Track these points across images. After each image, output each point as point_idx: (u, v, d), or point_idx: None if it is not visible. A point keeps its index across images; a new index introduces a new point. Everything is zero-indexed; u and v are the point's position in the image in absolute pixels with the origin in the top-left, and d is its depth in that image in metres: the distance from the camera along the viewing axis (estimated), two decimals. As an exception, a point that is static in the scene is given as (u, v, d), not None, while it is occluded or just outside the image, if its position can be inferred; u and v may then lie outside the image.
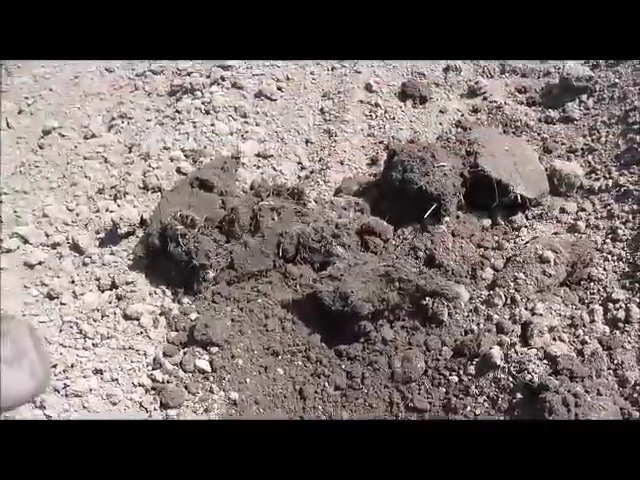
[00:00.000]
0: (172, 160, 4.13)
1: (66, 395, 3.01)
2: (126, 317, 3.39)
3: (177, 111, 4.51)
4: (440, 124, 4.34)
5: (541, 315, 3.12)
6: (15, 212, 4.06)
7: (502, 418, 2.87)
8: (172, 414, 2.99)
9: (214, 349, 3.16)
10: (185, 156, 4.15)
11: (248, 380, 3.09)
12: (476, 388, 3.00)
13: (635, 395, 2.86)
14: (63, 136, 4.55)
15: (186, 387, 3.08)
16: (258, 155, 4.21)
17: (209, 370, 3.13)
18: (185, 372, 3.14)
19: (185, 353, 3.20)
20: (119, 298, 3.47)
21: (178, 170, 4.07)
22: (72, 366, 3.16)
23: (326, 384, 3.11)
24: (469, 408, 2.95)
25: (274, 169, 4.14)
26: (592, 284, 3.31)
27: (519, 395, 2.89)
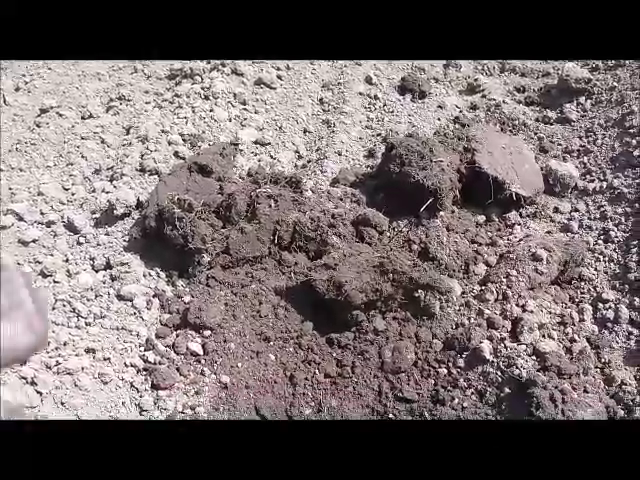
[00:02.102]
0: (170, 144, 4.13)
1: (58, 372, 3.02)
2: (120, 297, 3.38)
3: (176, 95, 4.51)
4: (438, 119, 4.36)
5: (532, 312, 3.15)
6: (10, 189, 4.05)
7: (489, 412, 2.91)
8: (163, 395, 3.01)
9: (207, 332, 3.17)
10: (183, 140, 4.15)
11: (240, 364, 3.11)
12: (465, 381, 3.03)
13: (621, 394, 2.90)
14: (60, 115, 4.54)
15: (178, 369, 3.09)
16: (256, 142, 4.22)
17: (201, 353, 3.14)
18: (177, 354, 3.14)
19: (178, 335, 3.20)
20: (113, 278, 3.47)
21: (176, 154, 4.07)
22: (65, 344, 3.16)
23: (317, 371, 3.13)
24: (457, 401, 2.98)
25: (271, 157, 4.15)
26: (583, 284, 3.36)
27: (507, 389, 2.92)
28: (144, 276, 3.49)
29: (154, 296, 3.40)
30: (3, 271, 0.56)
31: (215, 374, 3.08)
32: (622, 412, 2.84)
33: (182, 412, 2.97)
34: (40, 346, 0.57)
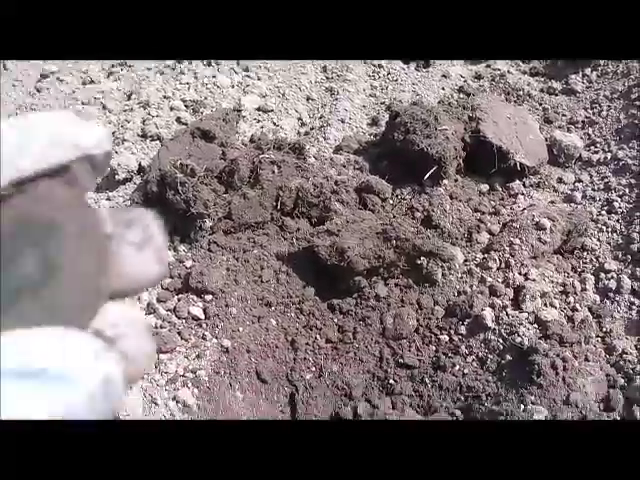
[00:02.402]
0: (172, 109, 4.10)
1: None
2: (121, 262, 3.37)
3: (178, 61, 4.47)
4: (442, 89, 4.33)
5: (534, 280, 3.15)
6: (11, 154, 4.03)
7: (490, 378, 2.91)
8: (164, 358, 3.01)
9: (208, 297, 3.16)
10: (185, 106, 4.12)
11: (241, 329, 3.10)
12: (466, 348, 3.04)
13: (621, 363, 2.91)
14: (61, 81, 4.51)
15: (179, 333, 3.08)
16: (259, 109, 4.19)
17: (203, 317, 3.13)
18: (179, 318, 3.13)
19: (179, 300, 3.20)
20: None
21: (178, 120, 4.04)
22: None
23: (318, 336, 3.12)
24: (458, 367, 2.99)
25: (274, 124, 4.12)
26: (585, 254, 3.35)
27: (508, 357, 2.93)
28: (146, 240, 3.46)
29: (155, 260, 3.38)
30: (134, 210, 0.59)
31: (216, 338, 3.08)
32: (622, 380, 2.85)
33: (183, 375, 2.97)
34: (164, 277, 0.61)
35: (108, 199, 3.69)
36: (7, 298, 0.46)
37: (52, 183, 0.52)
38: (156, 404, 2.87)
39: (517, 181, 3.70)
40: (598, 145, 3.83)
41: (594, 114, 4.01)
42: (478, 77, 4.42)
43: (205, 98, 4.19)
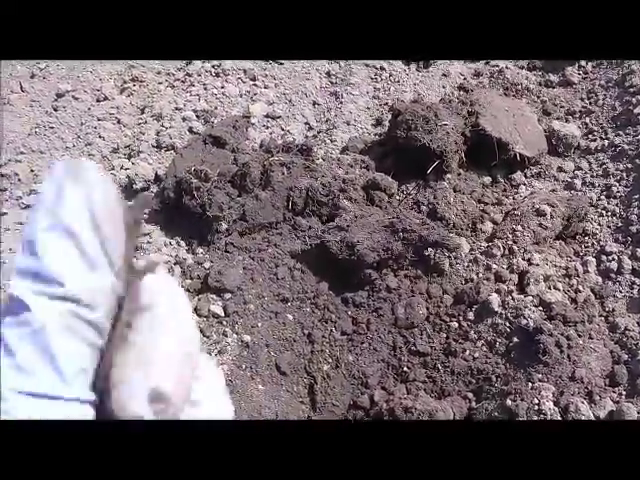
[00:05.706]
0: (184, 120, 4.27)
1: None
2: (142, 266, 3.53)
3: (188, 74, 4.64)
4: (443, 87, 4.47)
5: (537, 265, 3.27)
6: (32, 171, 4.20)
7: (499, 361, 3.04)
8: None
9: (227, 295, 3.32)
10: (197, 116, 4.29)
11: (260, 324, 3.26)
12: (475, 333, 3.17)
13: (624, 339, 3.03)
14: (76, 99, 4.67)
15: (201, 330, 3.23)
16: (267, 116, 4.35)
17: (222, 315, 3.28)
18: (200, 317, 3.29)
19: (199, 299, 3.36)
20: (135, 249, 3.61)
21: (190, 130, 4.21)
22: (92, 311, 3.32)
23: (333, 329, 3.27)
24: (468, 352, 3.11)
25: (282, 129, 4.28)
26: (586, 238, 3.48)
27: (515, 339, 3.05)
28: (165, 245, 3.63)
29: (175, 264, 3.54)
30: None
31: (237, 334, 3.23)
32: (626, 356, 2.97)
33: (207, 371, 3.11)
34: None
35: (127, 208, 3.85)
36: None
37: None
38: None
39: (518, 172, 3.83)
40: (595, 133, 3.95)
41: (590, 103, 4.13)
42: (477, 74, 4.55)
43: (215, 108, 4.35)
